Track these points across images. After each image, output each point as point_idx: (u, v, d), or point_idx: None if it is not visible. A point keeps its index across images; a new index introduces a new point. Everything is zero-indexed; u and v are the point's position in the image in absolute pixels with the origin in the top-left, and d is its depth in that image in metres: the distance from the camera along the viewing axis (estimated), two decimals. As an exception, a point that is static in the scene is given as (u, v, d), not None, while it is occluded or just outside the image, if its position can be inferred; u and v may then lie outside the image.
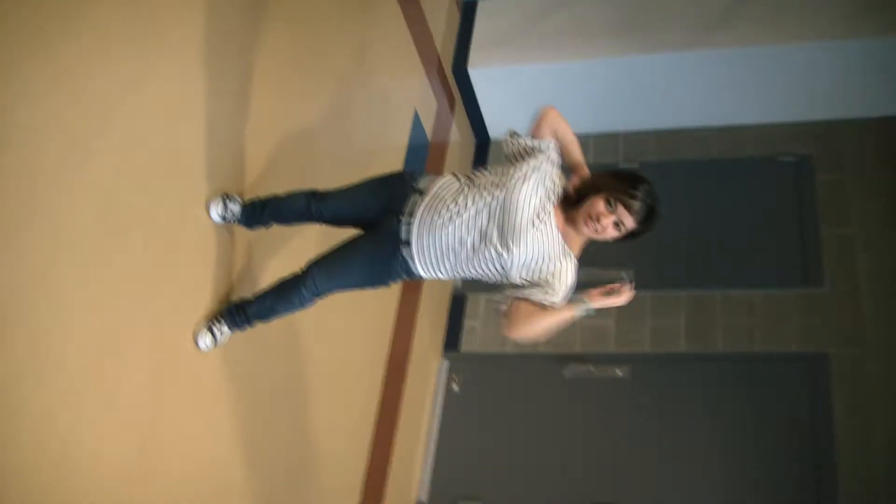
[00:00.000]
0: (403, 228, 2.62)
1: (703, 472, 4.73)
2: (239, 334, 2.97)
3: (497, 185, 2.55)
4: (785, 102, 5.50)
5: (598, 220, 2.44)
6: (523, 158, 2.61)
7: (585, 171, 2.61)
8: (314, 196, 2.91)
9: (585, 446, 4.96)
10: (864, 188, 5.30)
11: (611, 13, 5.42)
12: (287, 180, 3.25)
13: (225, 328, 2.89)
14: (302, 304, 2.83)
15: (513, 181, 2.53)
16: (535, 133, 2.63)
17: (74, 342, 2.30)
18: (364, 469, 4.28)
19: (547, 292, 2.52)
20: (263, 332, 3.05)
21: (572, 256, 2.58)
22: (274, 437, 3.44)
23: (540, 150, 2.60)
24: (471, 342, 5.45)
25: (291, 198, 2.96)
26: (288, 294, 2.82)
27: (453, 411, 5.25)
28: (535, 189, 2.52)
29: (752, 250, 5.33)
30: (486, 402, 5.26)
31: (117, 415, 2.47)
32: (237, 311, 2.91)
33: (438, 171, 5.22)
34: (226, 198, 2.94)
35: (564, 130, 2.63)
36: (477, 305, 5.51)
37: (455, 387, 5.30)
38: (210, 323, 2.87)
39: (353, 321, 4.16)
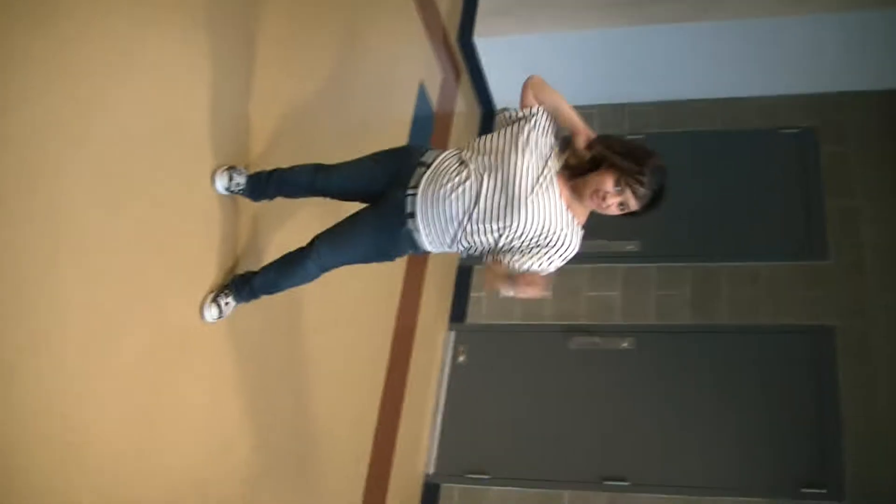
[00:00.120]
0: (409, 200, 2.61)
1: (708, 444, 4.75)
2: (245, 307, 2.98)
3: (496, 154, 2.54)
4: (789, 75, 5.47)
5: (604, 198, 2.43)
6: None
7: (585, 132, 2.53)
8: (320, 169, 2.90)
9: (591, 418, 4.99)
10: (868, 160, 5.28)
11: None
12: (292, 153, 3.24)
13: (231, 300, 2.90)
14: (306, 277, 2.84)
15: (508, 150, 2.52)
16: (522, 103, 2.62)
17: (80, 313, 2.31)
18: (371, 442, 4.30)
19: (541, 262, 2.50)
20: (269, 305, 3.06)
21: (577, 225, 2.57)
22: (280, 408, 3.46)
23: (527, 119, 2.58)
24: (477, 314, 5.46)
25: (297, 171, 2.96)
26: (293, 267, 2.83)
27: (459, 383, 5.28)
28: (531, 157, 2.50)
29: (756, 223, 5.32)
30: (492, 373, 5.28)
31: (122, 385, 2.48)
32: (242, 284, 2.92)
33: (443, 142, 5.22)
34: (231, 170, 2.94)
35: (547, 95, 2.59)
36: (483, 277, 5.52)
37: (461, 358, 5.32)
38: (216, 295, 2.88)
39: (359, 293, 4.17)
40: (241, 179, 2.96)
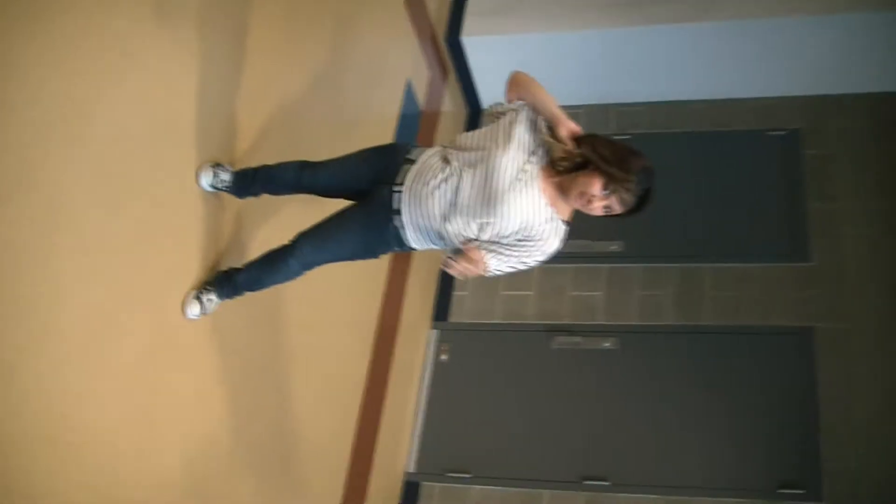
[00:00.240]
0: (395, 197, 2.62)
1: (688, 445, 4.78)
2: (228, 304, 2.97)
3: (478, 150, 2.55)
4: (774, 77, 5.50)
5: (589, 201, 2.44)
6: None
7: (566, 124, 2.49)
8: (305, 166, 2.90)
9: (572, 418, 5.00)
10: (852, 163, 5.31)
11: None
12: (278, 150, 3.24)
13: (213, 296, 2.89)
14: (289, 275, 2.84)
15: (489, 146, 2.53)
16: (506, 99, 2.63)
17: (64, 312, 2.30)
18: (352, 440, 4.30)
19: (521, 256, 2.53)
20: (253, 302, 3.05)
21: (559, 221, 2.57)
22: (262, 406, 3.45)
23: (509, 114, 2.58)
24: (460, 312, 5.47)
25: (282, 168, 2.95)
26: (275, 265, 2.82)
27: (442, 382, 5.28)
28: (512, 152, 2.50)
29: (740, 224, 5.35)
30: (474, 372, 5.29)
31: (106, 383, 2.47)
32: (225, 280, 2.91)
33: (430, 141, 5.22)
34: (216, 167, 2.93)
35: (528, 89, 2.57)
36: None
37: (444, 357, 5.32)
38: (199, 291, 2.87)
39: (343, 291, 4.17)
40: (226, 176, 2.95)
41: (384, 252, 2.76)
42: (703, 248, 5.34)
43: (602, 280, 5.35)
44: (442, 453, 5.08)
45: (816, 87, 5.52)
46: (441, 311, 5.48)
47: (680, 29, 5.19)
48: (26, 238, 2.16)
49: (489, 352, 5.34)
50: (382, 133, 4.58)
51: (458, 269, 2.45)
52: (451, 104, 5.73)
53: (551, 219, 2.55)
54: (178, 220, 2.82)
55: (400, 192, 2.61)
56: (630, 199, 2.41)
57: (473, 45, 5.51)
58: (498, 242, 2.55)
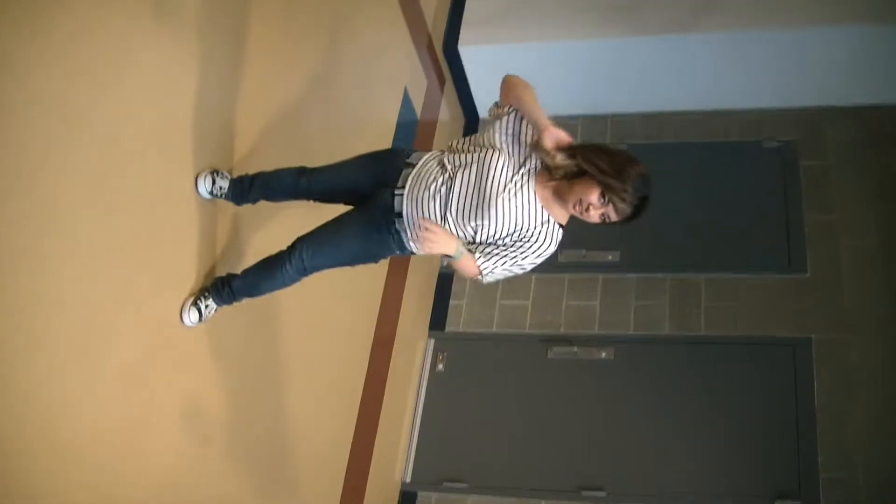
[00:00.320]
0: (397, 201, 2.64)
1: (685, 455, 4.77)
2: (226, 310, 2.96)
3: (473, 153, 2.58)
4: (771, 88, 5.52)
5: (587, 209, 2.44)
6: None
7: (548, 130, 2.43)
8: (303, 172, 2.90)
9: (569, 427, 4.99)
10: (847, 174, 5.33)
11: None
12: (276, 157, 3.23)
13: (211, 302, 2.89)
14: (285, 281, 2.83)
15: (483, 149, 2.56)
16: (502, 102, 2.65)
17: (60, 317, 2.29)
18: (348, 448, 4.28)
19: (516, 258, 2.55)
20: (250, 310, 3.04)
21: (553, 223, 2.57)
22: (258, 414, 3.44)
23: (501, 118, 2.60)
24: (456, 322, 5.46)
25: (280, 174, 2.95)
26: (272, 270, 2.82)
27: (438, 391, 5.27)
28: (505, 156, 2.52)
29: (736, 235, 5.35)
30: (470, 381, 5.27)
31: (102, 389, 2.47)
32: (223, 286, 2.91)
33: (426, 149, 5.21)
34: (214, 173, 2.93)
35: (513, 93, 2.57)
36: (463, 285, 5.52)
37: (440, 366, 5.32)
38: (196, 298, 2.86)
39: (340, 300, 4.16)
40: (223, 183, 2.95)
41: (384, 256, 2.77)
42: (699, 258, 5.35)
43: (598, 290, 5.36)
44: (438, 463, 5.06)
45: (811, 98, 5.54)
46: (438, 320, 5.47)
47: (675, 40, 5.21)
48: (25, 240, 2.15)
49: (486, 361, 5.34)
50: (380, 141, 4.58)
51: (423, 241, 2.46)
52: (447, 113, 5.74)
53: (546, 221, 2.56)
54: (177, 227, 2.82)
55: (401, 195, 2.64)
56: (627, 208, 2.41)
57: (470, 54, 5.52)
58: (493, 244, 2.57)
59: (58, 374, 2.29)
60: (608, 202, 2.40)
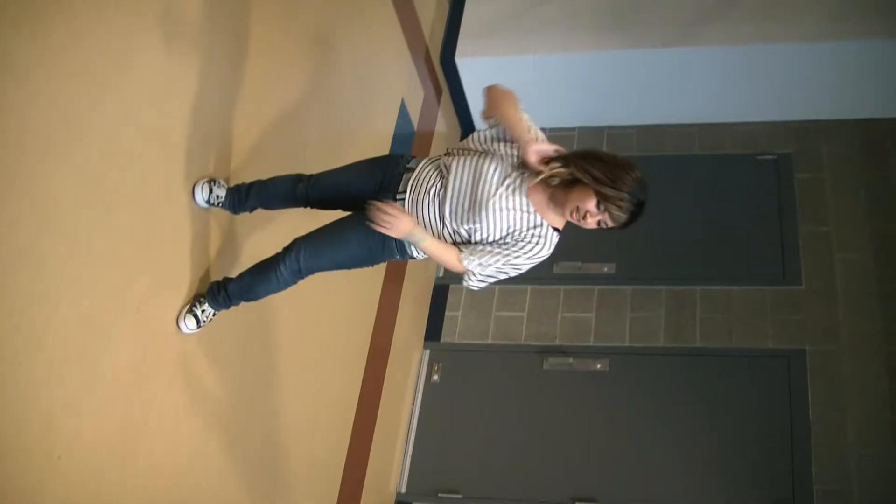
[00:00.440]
0: (399, 204, 2.66)
1: (679, 466, 4.77)
2: (222, 319, 2.96)
3: (467, 158, 2.62)
4: (767, 102, 5.55)
5: (584, 217, 2.46)
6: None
7: (529, 145, 2.48)
8: (301, 179, 2.91)
9: (564, 438, 4.99)
10: (842, 188, 5.36)
11: (599, 7, 5.43)
12: (273, 166, 3.24)
13: (207, 307, 2.89)
14: (279, 283, 2.82)
15: (476, 154, 2.61)
16: (486, 114, 2.68)
17: (57, 323, 2.29)
18: (343, 458, 4.28)
19: (508, 261, 2.56)
20: (246, 319, 3.05)
21: (547, 227, 2.58)
22: (254, 423, 3.44)
23: (492, 127, 2.66)
24: (452, 333, 5.47)
25: (277, 181, 2.96)
26: (266, 273, 2.81)
27: (433, 402, 5.27)
28: (498, 161, 2.56)
29: (731, 247, 5.38)
30: (465, 392, 5.28)
31: (98, 395, 2.46)
32: (218, 290, 2.90)
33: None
34: (212, 182, 2.94)
35: (500, 111, 2.60)
36: (459, 296, 5.53)
37: (435, 377, 5.32)
38: (192, 305, 2.86)
39: (336, 309, 4.16)
40: (220, 192, 2.96)
41: (384, 260, 2.77)
42: (694, 270, 5.37)
43: (593, 302, 5.37)
44: (433, 473, 5.05)
45: (806, 112, 5.58)
46: (433, 331, 5.48)
47: (672, 53, 5.24)
48: (24, 240, 2.15)
49: (481, 372, 5.34)
50: (376, 152, 4.53)
51: (380, 221, 2.48)
52: (444, 124, 5.76)
53: (539, 225, 2.57)
54: (173, 235, 2.82)
55: (403, 199, 2.67)
56: (623, 215, 2.43)
57: (467, 65, 5.54)
58: (488, 244, 2.59)
59: (57, 375, 2.29)
60: (605, 210, 2.42)
